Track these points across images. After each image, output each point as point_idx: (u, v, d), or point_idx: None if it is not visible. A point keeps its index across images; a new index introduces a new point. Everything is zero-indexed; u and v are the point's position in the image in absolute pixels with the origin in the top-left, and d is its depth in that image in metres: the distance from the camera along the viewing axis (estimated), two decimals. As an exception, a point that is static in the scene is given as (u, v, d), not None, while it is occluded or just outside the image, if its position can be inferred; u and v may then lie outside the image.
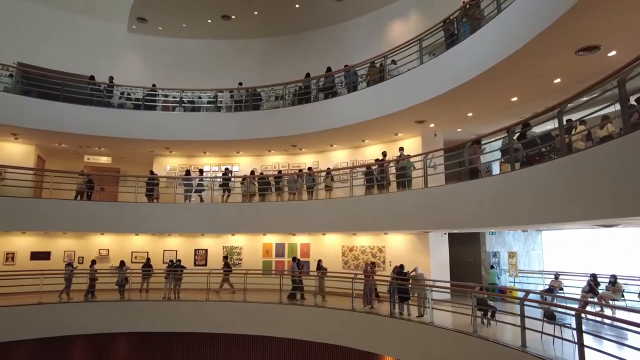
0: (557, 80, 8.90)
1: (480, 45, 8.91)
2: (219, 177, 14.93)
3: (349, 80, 12.85)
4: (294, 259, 13.55)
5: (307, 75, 14.51)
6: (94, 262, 13.68)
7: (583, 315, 6.42)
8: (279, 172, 15.49)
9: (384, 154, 12.82)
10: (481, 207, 8.37)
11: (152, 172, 15.32)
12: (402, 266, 10.99)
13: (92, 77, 15.12)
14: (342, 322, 10.80)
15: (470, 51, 9.22)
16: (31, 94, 13.41)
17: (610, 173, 5.05)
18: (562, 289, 12.05)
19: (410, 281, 10.37)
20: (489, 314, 9.05)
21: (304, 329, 11.47)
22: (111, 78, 15.55)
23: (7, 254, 14.33)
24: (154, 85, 15.72)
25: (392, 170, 11.61)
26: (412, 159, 11.20)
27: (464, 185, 8.98)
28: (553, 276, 12.40)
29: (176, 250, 16.05)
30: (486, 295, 9.28)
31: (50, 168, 16.40)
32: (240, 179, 14.63)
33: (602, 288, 11.04)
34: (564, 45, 7.37)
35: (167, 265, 14.31)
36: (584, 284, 11.29)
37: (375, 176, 12.06)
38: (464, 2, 10.12)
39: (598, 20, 6.49)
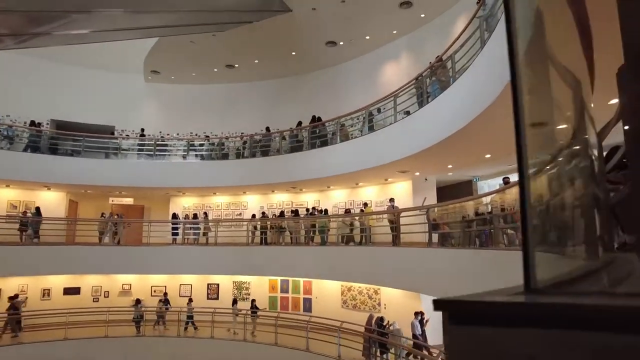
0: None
1: (440, 112, 9.03)
2: (224, 220, 15.88)
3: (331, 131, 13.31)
4: (417, 314, 10.57)
5: (299, 123, 15.10)
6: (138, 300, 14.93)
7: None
8: (281, 212, 16.16)
9: (365, 204, 13.10)
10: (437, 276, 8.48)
11: (174, 215, 16.80)
12: (382, 319, 11.21)
13: (112, 133, 16.79)
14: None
15: (433, 115, 9.35)
16: (58, 152, 15.11)
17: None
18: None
19: (389, 336, 10.59)
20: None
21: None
22: (142, 130, 17.23)
23: (44, 290, 16.19)
24: (161, 137, 17.10)
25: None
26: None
27: (426, 251, 9.10)
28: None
29: (191, 285, 17.25)
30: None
31: (82, 209, 18.39)
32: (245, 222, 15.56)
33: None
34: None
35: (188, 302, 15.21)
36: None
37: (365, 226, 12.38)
38: (430, 63, 10.20)
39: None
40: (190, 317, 14.53)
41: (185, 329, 14.35)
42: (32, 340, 13.04)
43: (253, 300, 14.97)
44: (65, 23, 8.60)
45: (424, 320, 10.45)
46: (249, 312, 14.23)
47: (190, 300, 15.09)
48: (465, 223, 8.42)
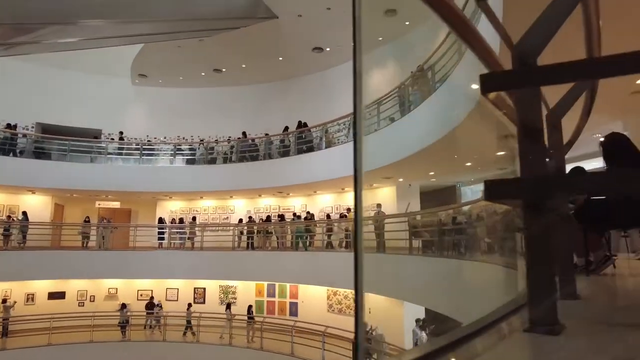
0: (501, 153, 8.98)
1: (420, 121, 9.18)
2: (210, 225, 15.94)
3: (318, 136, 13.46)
4: (419, 320, 10.08)
5: (286, 128, 15.20)
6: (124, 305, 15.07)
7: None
8: (267, 217, 16.24)
9: (349, 209, 13.26)
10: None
11: (160, 220, 16.82)
12: (365, 324, 11.32)
13: (97, 137, 16.78)
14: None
15: (413, 124, 9.49)
16: (42, 157, 15.03)
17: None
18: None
19: (371, 341, 10.71)
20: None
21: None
22: (121, 133, 17.18)
23: (28, 294, 16.04)
24: (148, 140, 17.20)
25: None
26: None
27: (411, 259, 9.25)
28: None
29: (177, 289, 17.22)
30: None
31: (68, 212, 18.27)
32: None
33: None
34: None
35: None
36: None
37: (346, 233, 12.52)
38: (412, 72, 10.37)
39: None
40: (189, 322, 14.59)
41: (184, 334, 14.36)
42: (15, 347, 12.94)
43: (250, 306, 15.02)
44: (51, 32, 8.60)
45: (426, 327, 10.11)
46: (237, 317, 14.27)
47: (190, 305, 15.11)
48: (442, 230, 8.60)
